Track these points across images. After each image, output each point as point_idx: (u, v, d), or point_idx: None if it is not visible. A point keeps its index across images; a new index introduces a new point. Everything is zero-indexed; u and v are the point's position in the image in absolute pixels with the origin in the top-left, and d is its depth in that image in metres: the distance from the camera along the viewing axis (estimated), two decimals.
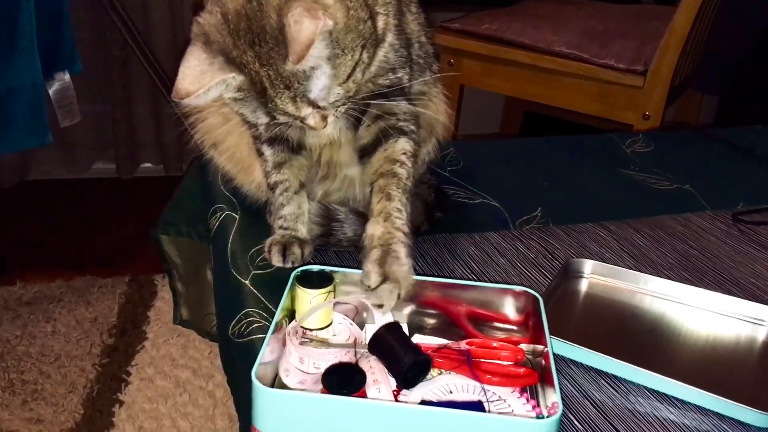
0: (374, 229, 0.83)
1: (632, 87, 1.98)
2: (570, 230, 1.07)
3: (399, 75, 0.89)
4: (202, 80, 0.75)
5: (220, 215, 1.04)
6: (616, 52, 2.01)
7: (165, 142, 2.70)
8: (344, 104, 0.81)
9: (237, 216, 1.04)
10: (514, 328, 0.80)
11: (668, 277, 0.95)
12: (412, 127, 0.92)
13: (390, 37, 0.85)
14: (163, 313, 1.99)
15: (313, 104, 0.78)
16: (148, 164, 2.80)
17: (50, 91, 1.89)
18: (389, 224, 0.83)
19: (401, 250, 0.81)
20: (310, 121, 0.80)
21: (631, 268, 0.96)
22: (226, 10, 0.76)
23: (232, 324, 0.84)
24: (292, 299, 0.76)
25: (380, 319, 0.76)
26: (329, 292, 0.75)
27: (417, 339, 0.77)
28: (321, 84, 0.77)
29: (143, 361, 1.83)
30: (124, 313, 2.00)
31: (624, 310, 0.90)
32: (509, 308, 0.79)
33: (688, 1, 1.88)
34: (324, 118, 0.80)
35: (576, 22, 2.16)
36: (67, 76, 1.92)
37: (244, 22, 0.75)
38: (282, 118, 0.79)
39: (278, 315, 0.69)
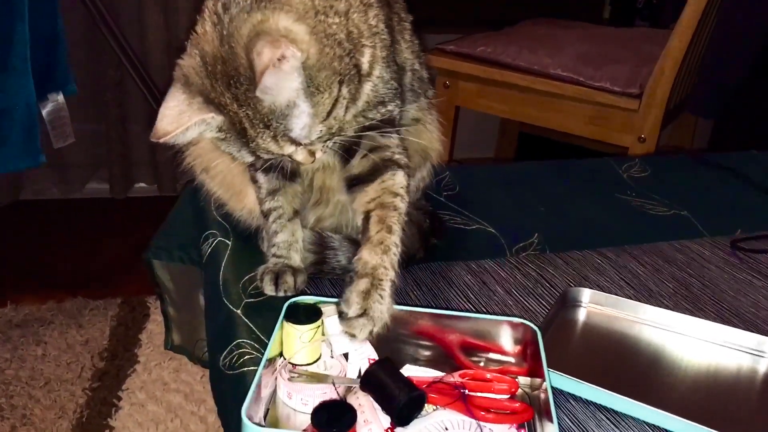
0: (370, 257, 0.82)
1: (627, 110, 1.98)
2: (567, 258, 1.06)
3: (389, 108, 0.88)
4: (180, 120, 0.75)
5: (213, 241, 1.02)
6: (612, 75, 2.01)
7: (159, 162, 2.68)
8: (330, 139, 0.80)
9: (229, 242, 1.02)
10: (510, 359, 0.78)
11: (667, 307, 0.94)
12: (406, 160, 0.92)
13: (378, 70, 0.84)
14: (155, 335, 1.96)
15: (296, 142, 0.78)
16: (142, 184, 2.77)
17: (44, 112, 1.87)
18: (386, 258, 0.82)
19: (388, 289, 0.80)
20: (299, 157, 0.79)
21: (630, 297, 0.95)
22: (203, 53, 0.76)
23: (224, 355, 0.82)
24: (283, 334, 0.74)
25: (344, 347, 0.74)
26: (317, 327, 0.73)
27: (410, 370, 0.76)
28: (301, 122, 0.76)
29: (134, 385, 1.79)
30: (115, 336, 1.97)
31: (623, 341, 0.89)
32: (505, 339, 0.77)
33: (682, 25, 1.88)
34: (312, 153, 0.79)
35: (571, 46, 2.16)
36: (60, 97, 1.90)
37: (220, 65, 0.75)
38: (266, 156, 0.79)
39: (269, 351, 0.68)
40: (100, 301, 2.10)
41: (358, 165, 0.90)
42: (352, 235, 0.98)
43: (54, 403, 1.72)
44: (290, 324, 0.71)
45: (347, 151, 0.88)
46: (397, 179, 0.89)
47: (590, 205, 1.26)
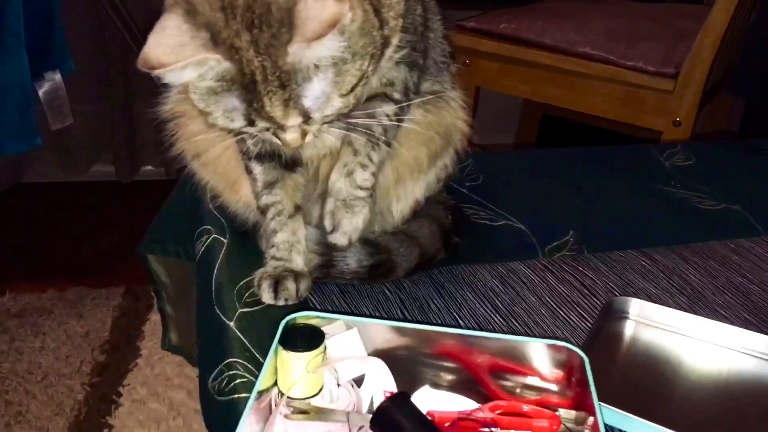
0: (338, 181, 0.82)
1: (662, 91, 1.85)
2: (608, 259, 0.94)
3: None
4: (180, 53, 0.61)
5: (206, 239, 0.91)
6: (645, 53, 1.88)
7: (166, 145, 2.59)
8: (334, 120, 0.69)
9: (225, 240, 0.91)
10: (550, 386, 0.66)
11: (726, 319, 0.82)
12: (405, 99, 0.82)
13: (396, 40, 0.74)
14: (159, 327, 1.86)
15: (305, 114, 0.66)
16: (149, 167, 2.70)
17: (40, 92, 1.78)
18: (350, 180, 0.81)
19: (357, 206, 0.81)
20: (289, 135, 0.67)
21: (684, 308, 0.83)
22: None
23: (213, 376, 0.71)
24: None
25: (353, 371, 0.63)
26: (319, 354, 0.61)
27: (430, 395, 0.64)
28: (320, 90, 0.65)
29: (136, 380, 1.72)
30: (117, 328, 1.90)
31: (681, 364, 0.77)
32: (545, 363, 0.65)
33: None
34: (304, 135, 0.68)
35: (601, 22, 2.03)
36: (58, 76, 1.81)
37: None
38: (260, 125, 0.66)
39: (260, 383, 0.56)
40: (103, 290, 2.03)
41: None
42: (364, 233, 0.87)
43: (51, 399, 1.66)
44: (286, 351, 0.60)
45: None
46: (380, 108, 0.79)
47: (630, 197, 1.13)
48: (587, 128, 2.66)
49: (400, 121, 0.82)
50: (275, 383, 0.62)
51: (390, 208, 0.89)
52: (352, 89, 0.66)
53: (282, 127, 0.66)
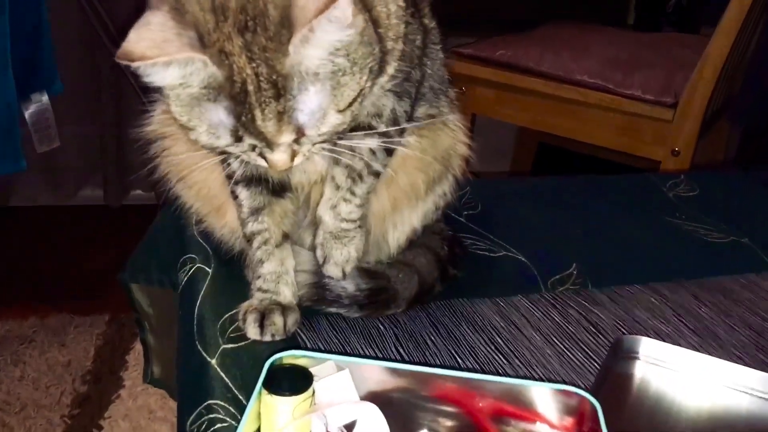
0: (324, 214, 0.79)
1: (661, 120, 1.83)
2: (614, 295, 0.89)
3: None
4: (163, 48, 0.57)
5: (190, 268, 0.86)
6: (643, 82, 1.86)
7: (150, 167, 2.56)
8: (327, 141, 0.64)
9: (210, 270, 0.85)
10: None
11: (741, 360, 0.77)
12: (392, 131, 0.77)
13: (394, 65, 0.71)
14: (143, 357, 1.83)
15: (299, 130, 0.61)
16: (138, 191, 2.64)
17: (26, 114, 1.74)
18: (334, 214, 0.78)
19: (346, 237, 0.78)
20: (278, 156, 0.62)
21: (696, 348, 0.78)
22: None
23: (192, 418, 0.66)
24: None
25: (343, 418, 0.58)
26: (307, 398, 0.56)
27: None
28: (317, 103, 0.60)
29: (117, 412, 1.67)
30: (100, 357, 1.85)
31: (695, 408, 0.72)
32: (552, 409, 0.60)
33: (724, 28, 1.73)
34: (293, 156, 0.63)
35: (598, 50, 2.01)
36: (45, 97, 1.78)
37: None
38: (248, 142, 0.61)
39: (243, 427, 0.51)
40: (87, 318, 1.98)
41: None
42: (360, 263, 0.82)
43: None
44: (271, 394, 0.54)
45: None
46: (365, 141, 0.75)
47: (635, 228, 1.09)
48: (584, 157, 2.63)
49: (388, 151, 0.78)
50: (258, 429, 0.57)
51: (386, 236, 0.85)
52: (350, 105, 0.62)
53: (271, 146, 0.62)
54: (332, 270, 0.80)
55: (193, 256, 0.88)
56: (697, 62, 1.77)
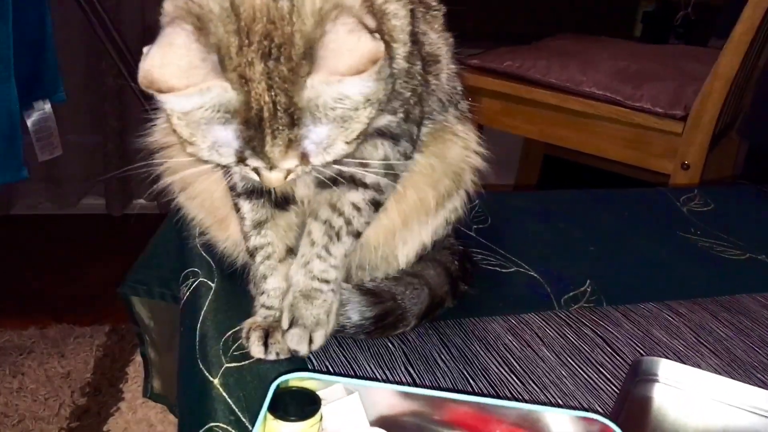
0: (296, 274, 0.75)
1: (670, 133, 1.81)
2: (630, 313, 0.87)
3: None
4: (191, 76, 0.54)
5: (192, 282, 0.83)
6: (653, 94, 1.84)
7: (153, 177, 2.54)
8: (325, 166, 0.63)
9: (213, 284, 0.83)
10: None
11: (762, 383, 0.74)
12: (379, 181, 0.75)
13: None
14: (143, 371, 1.80)
15: (304, 157, 0.59)
16: (141, 201, 2.64)
17: (28, 122, 1.73)
18: (306, 271, 0.74)
19: (318, 298, 0.73)
20: (273, 174, 0.61)
21: (716, 370, 0.75)
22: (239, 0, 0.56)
23: None
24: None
25: None
26: (314, 424, 0.53)
27: None
28: (326, 134, 0.59)
29: (117, 426, 1.65)
30: (100, 369, 1.83)
31: None
32: None
33: (735, 41, 1.71)
34: (287, 174, 0.61)
35: (607, 62, 1.99)
36: (47, 106, 1.77)
37: (263, 24, 0.56)
38: (252, 164, 0.60)
39: None
40: (87, 328, 1.96)
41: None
42: (364, 281, 0.79)
43: None
44: (276, 419, 0.52)
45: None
46: (348, 195, 0.74)
47: (648, 244, 1.06)
48: (591, 170, 2.61)
49: (376, 205, 0.75)
50: None
51: (395, 252, 0.82)
52: (357, 137, 0.60)
53: (271, 168, 0.60)
54: (296, 338, 0.73)
55: (196, 269, 0.85)
56: (707, 75, 1.75)
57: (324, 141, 0.59)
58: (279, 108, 0.57)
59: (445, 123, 0.82)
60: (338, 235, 0.74)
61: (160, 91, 0.55)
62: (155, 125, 0.82)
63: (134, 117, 2.46)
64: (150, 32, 0.60)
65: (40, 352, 1.84)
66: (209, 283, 0.83)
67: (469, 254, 0.94)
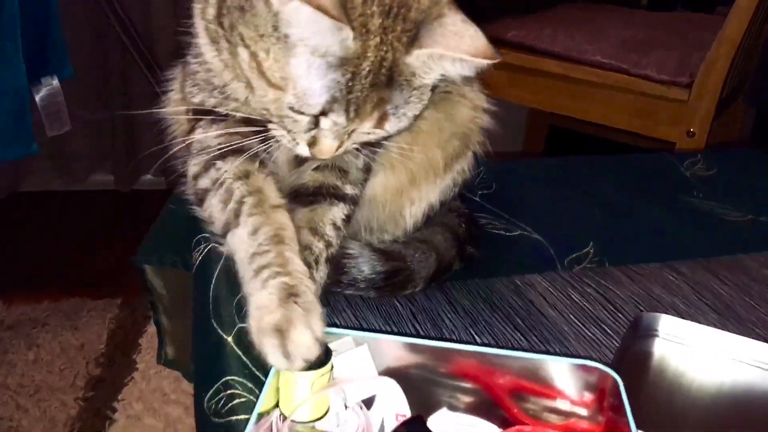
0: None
1: (676, 101, 1.81)
2: (632, 273, 0.88)
3: None
4: (337, 10, 0.56)
5: (204, 248, 0.85)
6: (658, 62, 1.83)
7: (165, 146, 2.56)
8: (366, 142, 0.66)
9: (224, 249, 0.84)
10: (578, 410, 0.60)
11: (762, 337, 0.76)
12: (357, 192, 0.77)
13: None
14: (156, 340, 1.82)
15: (381, 120, 0.62)
16: (148, 176, 2.65)
17: (37, 98, 1.74)
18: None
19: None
20: (328, 144, 0.62)
21: (716, 325, 0.77)
22: None
23: (209, 395, 0.66)
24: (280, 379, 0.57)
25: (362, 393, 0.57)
26: (325, 373, 0.55)
27: (447, 419, 0.59)
28: (403, 103, 0.62)
29: (131, 395, 1.67)
30: (113, 340, 1.85)
31: (716, 386, 0.71)
32: (572, 385, 0.60)
33: (740, 7, 1.70)
34: (339, 147, 0.64)
35: (612, 30, 1.98)
36: (55, 81, 1.77)
37: None
38: (332, 119, 0.61)
39: (262, 402, 0.50)
40: (99, 302, 1.98)
41: (309, 176, 0.75)
42: (373, 242, 0.81)
43: (44, 414, 1.60)
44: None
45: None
46: (329, 213, 0.74)
47: (651, 208, 1.07)
48: (596, 140, 2.61)
49: (348, 220, 0.76)
50: (277, 404, 0.56)
51: (402, 212, 0.84)
52: (417, 116, 0.64)
53: (344, 128, 0.62)
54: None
55: (207, 235, 0.87)
56: (713, 42, 1.75)
57: (402, 109, 0.62)
58: (384, 65, 0.59)
59: (454, 84, 0.83)
60: (317, 261, 0.72)
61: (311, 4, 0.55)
62: (169, 97, 0.84)
63: (140, 92, 2.46)
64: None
65: (54, 325, 1.87)
66: (220, 248, 0.85)
67: (474, 218, 0.96)
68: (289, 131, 0.64)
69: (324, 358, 0.56)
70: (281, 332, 0.57)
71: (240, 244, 0.65)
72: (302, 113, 0.61)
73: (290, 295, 0.60)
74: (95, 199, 2.56)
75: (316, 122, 0.62)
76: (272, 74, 0.60)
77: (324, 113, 0.60)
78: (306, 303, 0.59)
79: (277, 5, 0.57)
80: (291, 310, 0.58)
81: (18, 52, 1.56)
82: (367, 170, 0.78)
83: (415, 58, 0.60)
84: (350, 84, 0.59)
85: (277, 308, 0.58)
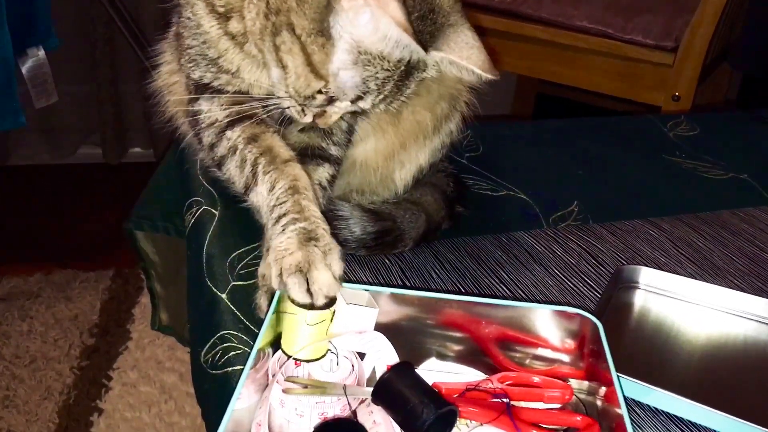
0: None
1: (661, 65, 1.82)
2: (614, 228, 0.90)
3: None
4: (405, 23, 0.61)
5: (197, 210, 0.87)
6: (644, 26, 1.84)
7: (155, 125, 2.54)
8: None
9: (216, 212, 0.86)
10: (561, 357, 0.63)
11: (739, 287, 0.78)
12: (341, 153, 0.81)
13: None
14: (149, 310, 1.82)
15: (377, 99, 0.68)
16: (137, 149, 2.64)
17: (23, 68, 1.72)
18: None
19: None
20: (331, 117, 0.69)
21: (694, 276, 0.79)
22: None
23: (205, 350, 0.68)
24: (278, 320, 0.59)
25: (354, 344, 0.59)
26: (326, 319, 0.57)
27: (436, 367, 0.61)
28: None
29: (126, 363, 1.69)
30: (106, 311, 1.86)
31: (693, 333, 0.74)
32: (555, 332, 0.62)
33: None
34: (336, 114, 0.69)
35: None
36: (41, 52, 1.75)
37: None
38: (360, 104, 0.68)
39: (259, 342, 0.52)
40: (91, 273, 1.99)
41: (295, 137, 0.79)
42: (363, 203, 0.83)
43: (39, 383, 1.62)
44: (292, 305, 0.56)
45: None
46: (318, 172, 0.79)
47: (635, 168, 1.09)
48: (583, 106, 2.62)
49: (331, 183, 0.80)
50: (272, 343, 0.58)
51: (392, 175, 0.86)
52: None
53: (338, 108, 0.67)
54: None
55: (200, 199, 0.89)
56: (698, 6, 1.75)
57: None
58: (411, 62, 0.65)
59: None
60: None
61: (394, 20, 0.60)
62: (159, 71, 0.86)
63: (126, 65, 2.44)
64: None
65: (47, 297, 1.88)
66: (213, 211, 0.87)
67: (461, 179, 0.98)
68: (302, 105, 0.68)
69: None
70: (302, 272, 0.60)
71: (261, 200, 0.71)
72: (330, 96, 0.66)
73: (309, 239, 0.63)
74: (84, 172, 2.55)
75: (331, 100, 0.66)
76: (321, 66, 0.64)
77: (353, 100, 0.66)
78: (324, 245, 0.63)
79: (347, 6, 0.61)
80: (311, 251, 0.62)
81: (3, 23, 1.54)
82: (350, 132, 0.81)
83: (430, 58, 0.65)
84: (386, 79, 0.65)
85: (297, 250, 0.62)
